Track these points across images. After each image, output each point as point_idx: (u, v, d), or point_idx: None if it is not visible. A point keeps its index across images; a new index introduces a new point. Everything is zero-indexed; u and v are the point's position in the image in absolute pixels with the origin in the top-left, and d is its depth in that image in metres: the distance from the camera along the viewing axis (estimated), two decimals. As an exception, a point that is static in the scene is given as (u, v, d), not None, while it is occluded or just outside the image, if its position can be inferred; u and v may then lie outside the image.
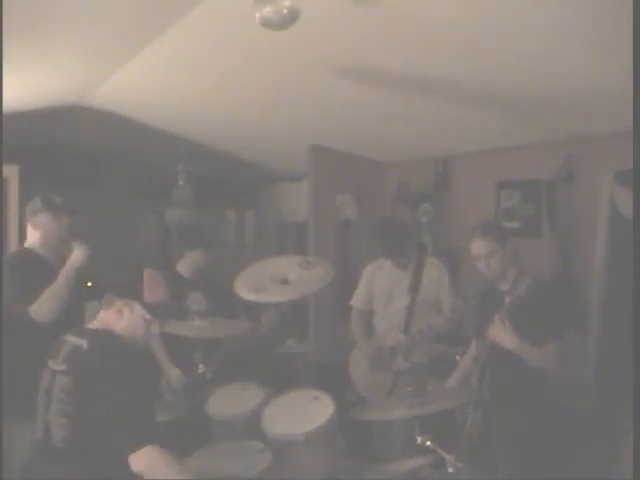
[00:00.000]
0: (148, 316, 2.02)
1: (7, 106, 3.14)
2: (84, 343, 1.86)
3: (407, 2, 2.25)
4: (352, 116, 3.78)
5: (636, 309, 1.89)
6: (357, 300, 3.34)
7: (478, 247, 2.50)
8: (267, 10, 2.06)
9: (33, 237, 2.68)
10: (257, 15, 2.08)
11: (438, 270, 3.15)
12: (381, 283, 3.25)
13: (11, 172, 4.42)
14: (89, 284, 3.95)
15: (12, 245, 4.48)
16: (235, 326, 3.01)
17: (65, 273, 2.55)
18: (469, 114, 3.47)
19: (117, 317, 1.97)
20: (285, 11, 2.05)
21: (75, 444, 1.77)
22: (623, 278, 2.95)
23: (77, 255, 2.59)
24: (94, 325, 1.99)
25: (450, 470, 1.95)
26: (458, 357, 3.12)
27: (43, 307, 2.46)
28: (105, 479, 1.77)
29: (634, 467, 1.67)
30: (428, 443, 2.02)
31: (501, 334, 2.34)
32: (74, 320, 2.42)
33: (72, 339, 1.91)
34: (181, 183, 5.62)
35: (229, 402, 2.60)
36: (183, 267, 3.32)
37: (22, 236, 4.40)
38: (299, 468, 2.21)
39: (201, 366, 2.80)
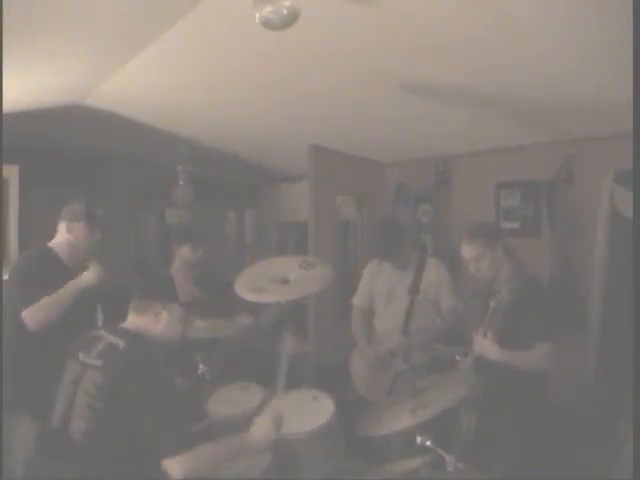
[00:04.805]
0: (187, 316, 2.03)
1: (7, 106, 3.14)
2: (121, 342, 1.85)
3: (407, 2, 2.25)
4: (352, 116, 3.78)
5: (636, 309, 1.88)
6: (358, 298, 3.34)
7: (467, 251, 2.50)
8: (267, 10, 2.06)
9: (62, 237, 2.63)
10: (257, 15, 2.09)
11: (438, 270, 3.15)
12: (381, 282, 3.25)
13: (11, 172, 4.43)
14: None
15: (12, 245, 4.48)
16: (235, 326, 3.01)
17: (70, 287, 2.46)
18: (469, 114, 3.47)
19: (155, 321, 1.97)
20: (285, 11, 2.05)
21: (93, 439, 1.76)
22: (623, 278, 2.96)
23: (89, 274, 2.52)
24: (128, 326, 1.97)
25: (450, 470, 1.95)
26: (458, 357, 3.11)
27: (36, 314, 2.36)
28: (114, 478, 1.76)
29: (634, 467, 1.66)
30: (428, 443, 2.02)
31: (484, 347, 2.34)
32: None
33: (108, 336, 1.89)
34: (181, 183, 5.62)
35: (229, 402, 2.60)
36: (174, 269, 3.26)
37: (22, 235, 4.46)
38: (299, 468, 2.21)
39: (201, 366, 2.80)
